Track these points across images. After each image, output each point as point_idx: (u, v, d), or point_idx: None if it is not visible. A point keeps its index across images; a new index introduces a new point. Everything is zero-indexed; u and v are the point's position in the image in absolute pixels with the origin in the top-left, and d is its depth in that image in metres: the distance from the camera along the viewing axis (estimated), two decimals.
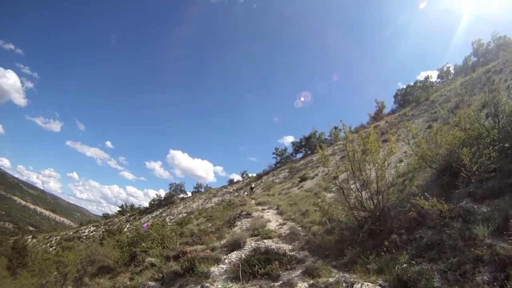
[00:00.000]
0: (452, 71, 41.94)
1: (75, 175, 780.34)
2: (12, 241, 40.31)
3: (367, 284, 6.49)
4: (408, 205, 8.51)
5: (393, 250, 7.56)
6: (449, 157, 9.66)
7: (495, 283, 5.39)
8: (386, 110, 42.10)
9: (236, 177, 59.26)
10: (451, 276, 5.88)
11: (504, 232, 6.25)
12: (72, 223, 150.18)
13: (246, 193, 36.85)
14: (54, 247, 47.06)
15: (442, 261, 6.38)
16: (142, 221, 38.90)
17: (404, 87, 44.20)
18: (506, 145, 8.93)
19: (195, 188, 61.01)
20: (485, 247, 6.10)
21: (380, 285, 6.49)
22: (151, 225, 19.91)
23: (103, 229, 49.74)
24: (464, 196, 8.26)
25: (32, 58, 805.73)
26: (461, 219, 7.31)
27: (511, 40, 33.55)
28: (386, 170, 9.44)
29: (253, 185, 38.88)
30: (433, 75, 43.83)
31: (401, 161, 17.18)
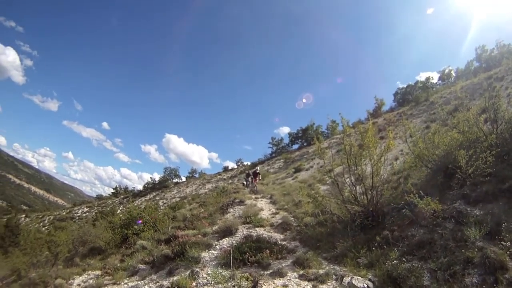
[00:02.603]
0: (454, 74, 41.79)
1: (70, 155, 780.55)
2: (5, 219, 40.20)
3: (357, 278, 6.54)
4: (402, 202, 8.56)
5: (384, 246, 7.62)
6: (445, 158, 9.68)
7: (484, 286, 5.44)
8: (384, 108, 42.08)
9: (231, 165, 58.96)
10: (440, 276, 5.94)
11: (496, 237, 6.31)
12: (65, 203, 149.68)
13: (246, 183, 24.34)
14: (46, 227, 46.91)
15: (432, 260, 6.44)
16: (136, 204, 38.71)
17: (404, 86, 44.15)
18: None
19: (189, 173, 60.53)
20: (476, 249, 6.15)
21: (369, 279, 6.54)
22: (144, 208, 19.94)
23: (96, 210, 49.58)
24: (458, 197, 8.29)
25: (33, 36, 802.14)
26: (454, 220, 7.36)
27: None
28: (382, 166, 9.47)
29: (258, 169, 24.89)
30: (434, 77, 43.74)
31: (397, 158, 17.20)
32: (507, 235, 6.16)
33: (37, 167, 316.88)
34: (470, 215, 7.35)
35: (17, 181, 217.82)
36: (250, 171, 28.31)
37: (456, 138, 9.70)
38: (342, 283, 6.53)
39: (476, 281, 5.60)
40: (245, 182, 25.06)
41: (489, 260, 5.71)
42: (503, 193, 7.62)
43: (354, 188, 9.73)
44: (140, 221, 14.61)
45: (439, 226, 7.39)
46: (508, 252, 5.78)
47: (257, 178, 22.58)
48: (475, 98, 20.79)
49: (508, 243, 5.98)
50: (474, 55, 39.35)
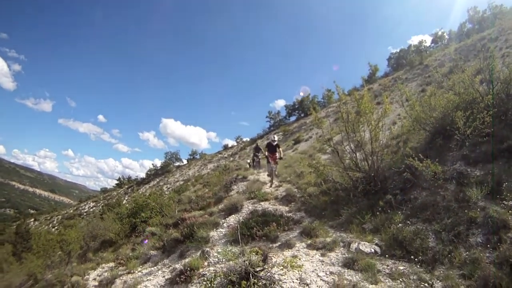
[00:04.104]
0: (447, 37, 41.54)
1: (70, 152, 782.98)
2: (14, 226, 40.59)
3: (364, 243, 6.69)
4: (402, 166, 8.62)
5: (388, 210, 7.73)
6: (443, 120, 9.69)
7: (488, 245, 5.57)
8: (379, 74, 42.06)
9: (230, 143, 59.31)
10: (445, 237, 6.07)
11: (497, 196, 6.42)
12: (71, 201, 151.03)
13: (254, 162, 20.60)
14: (56, 227, 47.34)
15: (436, 222, 6.57)
16: (140, 192, 38.94)
17: (397, 50, 43.96)
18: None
19: (190, 155, 61.22)
20: (478, 209, 6.28)
21: (376, 244, 6.69)
22: (149, 195, 20.06)
23: (102, 204, 50.07)
24: (457, 159, 8.37)
25: (18, 41, 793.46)
26: (455, 181, 7.45)
27: (507, 9, 33.18)
28: (380, 132, 9.48)
29: (275, 138, 15.32)
30: (427, 40, 43.49)
31: (394, 123, 17.24)
32: (508, 194, 6.25)
33: (38, 169, 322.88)
34: (470, 175, 7.45)
35: (21, 186, 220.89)
36: (258, 144, 22.45)
37: (453, 99, 9.67)
38: (350, 249, 6.68)
39: (481, 241, 5.73)
40: (250, 161, 21.12)
41: (492, 220, 5.83)
42: (502, 152, 7.69)
43: (355, 155, 9.76)
44: (146, 241, 14.75)
45: (441, 187, 7.47)
46: (510, 211, 5.90)
47: (276, 154, 14.57)
48: (469, 59, 20.68)
49: (510, 202, 6.09)
50: (466, 17, 39.14)
